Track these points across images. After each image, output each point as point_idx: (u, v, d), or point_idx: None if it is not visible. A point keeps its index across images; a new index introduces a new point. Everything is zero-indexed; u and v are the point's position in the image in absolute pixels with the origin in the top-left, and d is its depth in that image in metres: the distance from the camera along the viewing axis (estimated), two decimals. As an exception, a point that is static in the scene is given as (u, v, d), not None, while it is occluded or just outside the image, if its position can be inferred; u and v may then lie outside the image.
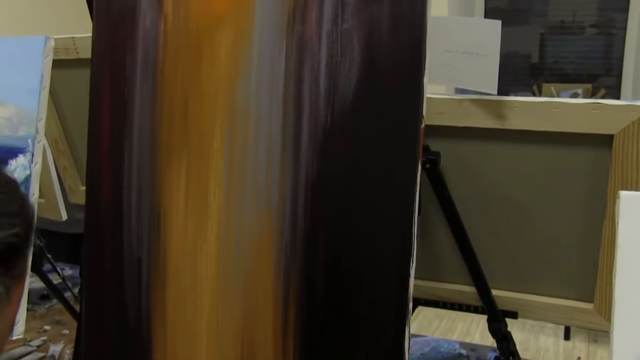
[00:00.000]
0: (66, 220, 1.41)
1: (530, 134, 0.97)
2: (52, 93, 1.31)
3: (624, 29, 3.40)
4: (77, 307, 1.18)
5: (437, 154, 0.97)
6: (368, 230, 0.82)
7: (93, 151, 0.98)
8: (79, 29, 1.31)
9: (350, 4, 0.82)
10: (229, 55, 0.89)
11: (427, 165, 0.95)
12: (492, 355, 1.26)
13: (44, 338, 1.37)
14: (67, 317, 1.37)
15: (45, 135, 1.10)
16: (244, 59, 0.88)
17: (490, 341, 1.13)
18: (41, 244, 1.16)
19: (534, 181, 1.00)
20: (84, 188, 1.25)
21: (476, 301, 1.09)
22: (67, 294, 1.32)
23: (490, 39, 0.94)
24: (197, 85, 0.90)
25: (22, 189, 1.05)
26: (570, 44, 3.63)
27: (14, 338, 1.05)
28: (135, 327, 0.95)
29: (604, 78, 3.54)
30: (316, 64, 0.83)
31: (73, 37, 1.31)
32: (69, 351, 1.30)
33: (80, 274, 1.06)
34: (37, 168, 1.08)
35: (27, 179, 1.07)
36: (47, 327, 1.44)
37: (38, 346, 1.34)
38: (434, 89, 0.89)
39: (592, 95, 3.41)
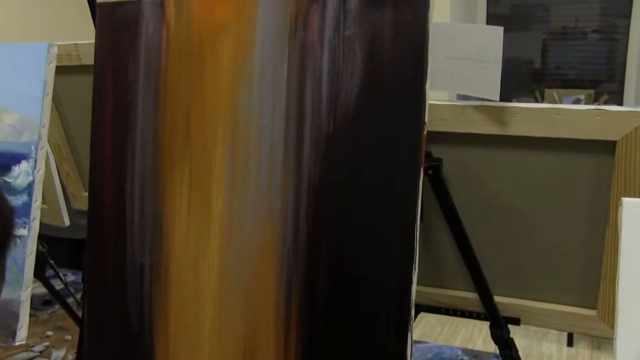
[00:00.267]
0: (69, 226, 1.41)
1: (533, 140, 0.96)
2: (55, 99, 1.31)
3: (627, 34, 3.40)
4: (79, 313, 1.18)
5: (440, 160, 0.97)
6: (370, 237, 0.82)
7: (96, 157, 0.99)
8: (81, 33, 1.32)
9: (353, 10, 0.82)
10: (231, 62, 0.89)
11: (430, 172, 0.95)
12: (494, 361, 1.26)
13: (47, 344, 1.38)
14: (69, 322, 1.38)
15: (48, 141, 1.10)
16: (246, 65, 0.88)
17: (492, 348, 1.13)
18: (44, 250, 1.16)
19: (536, 187, 1.00)
20: (86, 194, 1.25)
21: (479, 307, 1.08)
22: (70, 300, 1.32)
23: (493, 46, 0.94)
24: (199, 92, 0.91)
25: (25, 194, 1.06)
26: (573, 49, 3.63)
27: (17, 344, 1.05)
28: (138, 334, 0.95)
29: (606, 84, 3.54)
30: (318, 71, 0.83)
31: (76, 44, 1.31)
32: (71, 357, 1.31)
33: (83, 279, 1.06)
34: (40, 174, 1.08)
35: (30, 185, 1.07)
36: (49, 333, 1.44)
37: (41, 352, 1.35)
38: (436, 96, 0.89)
39: (595, 100, 3.41)
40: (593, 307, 1.02)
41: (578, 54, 3.62)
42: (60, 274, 1.30)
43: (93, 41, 0.99)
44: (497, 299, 1.05)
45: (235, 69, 0.88)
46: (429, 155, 0.96)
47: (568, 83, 3.62)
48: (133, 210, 0.95)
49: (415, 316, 0.84)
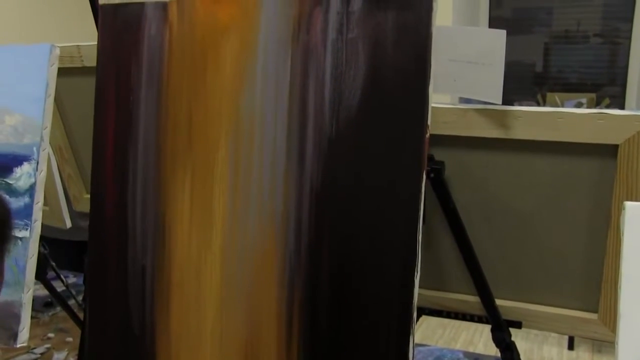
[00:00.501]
0: (70, 228, 1.41)
1: (535, 143, 0.97)
2: (57, 101, 1.32)
3: (629, 38, 3.40)
4: (81, 315, 1.18)
5: (442, 163, 0.97)
6: (372, 240, 0.82)
7: (97, 159, 0.99)
8: (83, 35, 1.32)
9: (356, 13, 0.82)
10: (234, 64, 0.89)
11: (432, 175, 0.95)
12: (496, 365, 1.26)
13: (48, 345, 1.38)
14: (70, 324, 1.38)
15: (50, 143, 1.11)
16: (248, 68, 0.88)
17: (494, 351, 1.13)
18: (45, 252, 1.16)
19: (538, 191, 1.00)
20: (88, 196, 1.25)
21: (480, 311, 1.08)
22: (71, 302, 1.32)
23: (495, 49, 0.94)
24: (202, 94, 0.91)
25: (27, 196, 1.06)
26: (575, 53, 3.63)
27: (18, 345, 1.05)
28: (139, 336, 0.95)
29: (608, 87, 3.54)
30: (321, 73, 0.83)
31: (78, 46, 1.32)
32: (72, 359, 1.30)
33: (84, 281, 1.06)
34: (41, 176, 1.08)
35: (32, 187, 1.07)
36: (50, 335, 1.44)
37: (42, 353, 1.35)
38: (438, 99, 0.89)
39: (597, 104, 3.40)
40: (595, 311, 1.02)
41: (580, 58, 3.62)
42: (62, 276, 1.30)
43: (95, 43, 0.99)
44: (499, 302, 1.05)
45: (238, 71, 0.88)
46: (431, 158, 0.96)
47: (570, 87, 3.61)
48: (135, 212, 0.95)
49: (417, 319, 0.84)
